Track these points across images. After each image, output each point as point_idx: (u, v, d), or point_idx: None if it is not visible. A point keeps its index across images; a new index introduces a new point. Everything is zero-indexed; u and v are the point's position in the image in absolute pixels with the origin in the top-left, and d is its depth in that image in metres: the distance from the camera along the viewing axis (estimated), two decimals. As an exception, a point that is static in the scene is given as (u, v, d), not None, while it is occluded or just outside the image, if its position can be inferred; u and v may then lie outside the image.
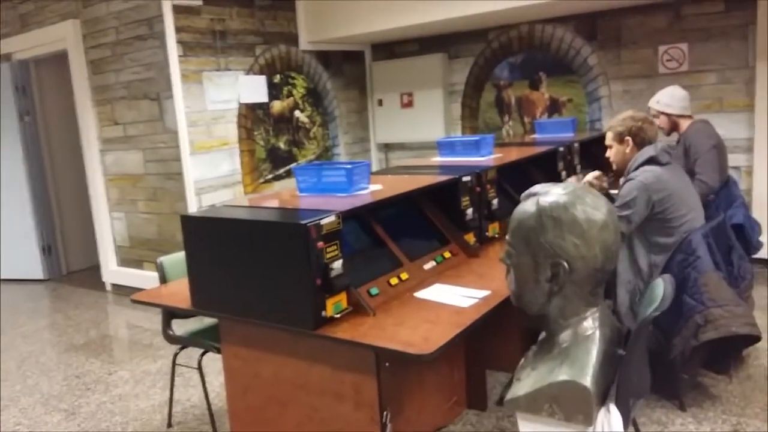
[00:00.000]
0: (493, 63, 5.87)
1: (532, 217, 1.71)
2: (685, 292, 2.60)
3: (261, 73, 5.24)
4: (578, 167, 4.13)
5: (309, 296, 1.96)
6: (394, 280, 2.32)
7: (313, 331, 1.98)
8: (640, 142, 2.94)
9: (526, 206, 1.77)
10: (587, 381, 1.62)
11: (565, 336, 1.77)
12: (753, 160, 4.66)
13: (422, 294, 2.27)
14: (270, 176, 5.40)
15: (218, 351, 2.60)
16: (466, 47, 5.98)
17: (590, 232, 1.66)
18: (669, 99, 3.86)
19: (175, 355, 2.93)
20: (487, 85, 5.94)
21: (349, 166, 2.43)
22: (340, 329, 1.98)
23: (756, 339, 2.51)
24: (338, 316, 2.03)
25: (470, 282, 2.38)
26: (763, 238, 3.62)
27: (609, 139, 3.06)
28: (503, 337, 2.81)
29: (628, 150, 2.97)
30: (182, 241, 2.29)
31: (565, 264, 1.67)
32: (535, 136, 4.97)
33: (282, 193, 2.75)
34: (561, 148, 3.86)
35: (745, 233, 3.28)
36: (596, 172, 3.29)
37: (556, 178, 3.85)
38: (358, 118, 6.39)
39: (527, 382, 1.77)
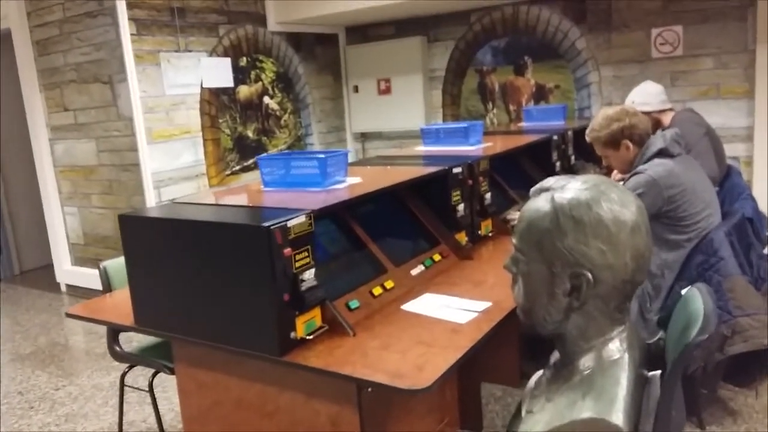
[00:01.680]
0: (475, 47, 5.53)
1: (547, 217, 1.36)
2: (705, 298, 2.30)
3: (225, 55, 4.82)
4: (572, 158, 3.82)
5: (275, 315, 1.60)
6: (377, 290, 1.97)
7: (280, 358, 1.62)
8: (639, 139, 2.60)
9: (539, 203, 1.41)
10: (618, 418, 1.28)
11: (586, 361, 1.43)
12: (753, 149, 4.40)
13: (411, 306, 1.92)
14: (237, 167, 5.00)
15: (172, 372, 2.23)
16: (446, 30, 5.63)
17: (619, 236, 1.32)
18: (645, 96, 3.56)
19: (124, 374, 2.55)
20: (469, 71, 5.60)
21: (322, 156, 2.06)
22: (313, 354, 1.62)
23: (788, 351, 2.22)
24: (311, 337, 1.67)
25: (466, 291, 2.04)
26: (770, 233, 3.36)
27: (600, 150, 2.71)
28: (500, 345, 2.48)
29: (630, 152, 2.63)
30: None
31: (589, 275, 1.33)
32: (523, 124, 4.65)
33: (245, 188, 2.37)
34: (555, 137, 3.55)
35: (754, 228, 3.01)
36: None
37: (550, 170, 3.55)
38: (332, 106, 6.00)
39: (542, 417, 1.43)
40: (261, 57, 5.17)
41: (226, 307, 1.69)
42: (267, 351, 1.63)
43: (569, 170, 3.76)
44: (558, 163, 3.59)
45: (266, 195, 2.09)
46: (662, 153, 2.50)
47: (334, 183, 2.12)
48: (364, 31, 6.02)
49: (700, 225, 2.47)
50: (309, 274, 1.67)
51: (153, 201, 4.29)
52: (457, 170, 2.46)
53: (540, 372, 1.63)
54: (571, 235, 1.32)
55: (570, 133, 3.80)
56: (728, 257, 2.30)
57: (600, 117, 2.65)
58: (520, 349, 2.56)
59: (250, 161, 5.11)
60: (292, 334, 1.64)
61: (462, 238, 2.49)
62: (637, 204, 1.37)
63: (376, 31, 5.96)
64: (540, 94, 5.32)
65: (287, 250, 1.59)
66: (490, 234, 2.68)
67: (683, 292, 2.51)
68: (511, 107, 5.47)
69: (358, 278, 1.98)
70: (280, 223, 1.58)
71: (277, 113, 5.38)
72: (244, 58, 5.01)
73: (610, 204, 1.32)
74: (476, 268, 2.30)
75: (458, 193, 2.47)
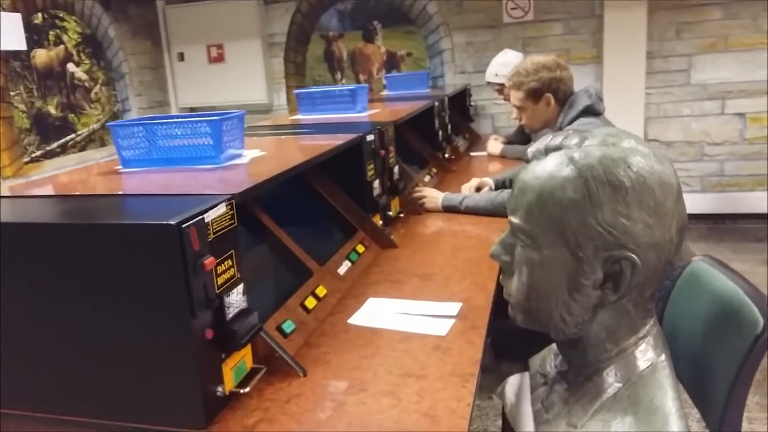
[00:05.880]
0: (319, 10, 5.01)
1: (570, 184, 0.94)
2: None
3: (14, 10, 3.76)
4: (449, 126, 3.52)
5: (195, 363, 1.00)
6: (309, 302, 1.43)
7: (204, 429, 1.03)
8: (562, 96, 2.31)
9: (550, 167, 0.98)
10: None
11: (618, 369, 1.05)
12: (603, 114, 4.48)
13: (360, 319, 1.42)
14: (38, 153, 3.97)
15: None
16: (285, -9, 5.03)
17: (666, 204, 0.94)
18: (507, 68, 3.39)
19: None
20: (313, 37, 5.07)
21: (215, 118, 1.45)
22: (256, 416, 1.06)
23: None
24: (247, 389, 1.10)
25: (417, 289, 1.58)
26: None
27: (519, 98, 2.36)
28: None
29: (549, 108, 2.33)
30: None
31: (635, 257, 0.93)
32: (385, 92, 4.27)
33: (95, 170, 1.65)
34: (437, 103, 3.20)
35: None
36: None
37: (433, 139, 3.20)
38: (153, 76, 5.10)
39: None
40: (61, 14, 4.14)
41: (105, 363, 1.05)
42: (183, 422, 1.03)
43: (448, 140, 3.46)
44: (440, 132, 3.26)
45: (135, 178, 1.42)
46: (588, 111, 2.25)
47: (232, 157, 1.52)
48: (187, -11, 5.19)
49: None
50: (237, 294, 1.09)
51: None
52: (370, 138, 1.97)
53: (515, 377, 1.25)
54: (608, 206, 0.91)
55: (446, 99, 3.49)
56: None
57: (528, 62, 2.32)
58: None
59: (55, 144, 4.11)
60: (219, 389, 1.06)
61: (378, 221, 2.02)
62: (669, 159, 1.00)
63: (201, -11, 5.16)
64: (392, 62, 4.98)
65: (208, 260, 1.00)
66: (400, 216, 2.24)
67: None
68: (362, 77, 5.06)
69: (282, 288, 1.42)
70: (194, 217, 0.98)
71: (86, 84, 4.39)
72: (40, 15, 3.96)
73: (648, 161, 0.93)
74: (410, 257, 1.85)
75: (372, 166, 1.99)
